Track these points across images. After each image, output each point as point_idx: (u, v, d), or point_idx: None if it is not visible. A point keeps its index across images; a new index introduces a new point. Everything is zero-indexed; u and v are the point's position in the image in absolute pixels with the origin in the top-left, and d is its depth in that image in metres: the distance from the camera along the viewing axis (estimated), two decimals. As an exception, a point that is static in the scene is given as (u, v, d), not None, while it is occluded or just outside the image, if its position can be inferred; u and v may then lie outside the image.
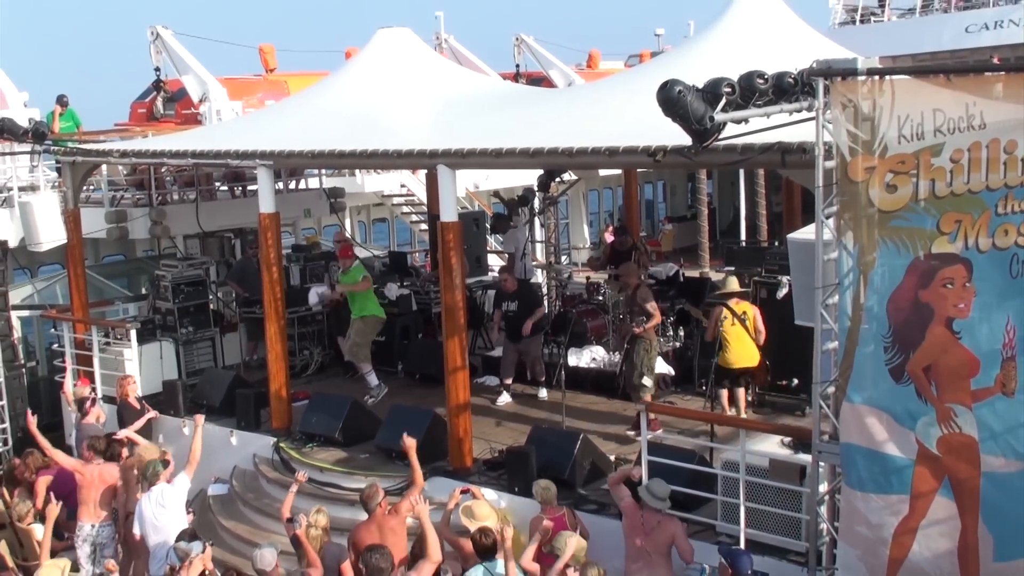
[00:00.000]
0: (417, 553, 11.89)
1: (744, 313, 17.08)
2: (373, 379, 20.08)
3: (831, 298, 10.42)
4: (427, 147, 16.21)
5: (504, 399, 19.72)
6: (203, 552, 12.44)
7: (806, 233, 11.83)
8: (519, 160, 15.32)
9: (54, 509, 14.13)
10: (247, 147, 18.56)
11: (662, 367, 18.39)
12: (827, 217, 10.37)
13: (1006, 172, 9.70)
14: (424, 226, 33.51)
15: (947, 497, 9.87)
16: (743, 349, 17.00)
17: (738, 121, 10.98)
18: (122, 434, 17.30)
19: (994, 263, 9.77)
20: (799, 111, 10.86)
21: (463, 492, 13.83)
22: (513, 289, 19.87)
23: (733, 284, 17.72)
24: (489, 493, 14.89)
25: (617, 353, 20.39)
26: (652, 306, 17.23)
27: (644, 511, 12.61)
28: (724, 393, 17.48)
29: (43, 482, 16.77)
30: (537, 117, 17.71)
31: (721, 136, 11.16)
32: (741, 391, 17.56)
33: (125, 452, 16.12)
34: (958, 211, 9.74)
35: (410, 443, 13.94)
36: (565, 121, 16.66)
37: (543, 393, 19.71)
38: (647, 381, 17.21)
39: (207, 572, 12.38)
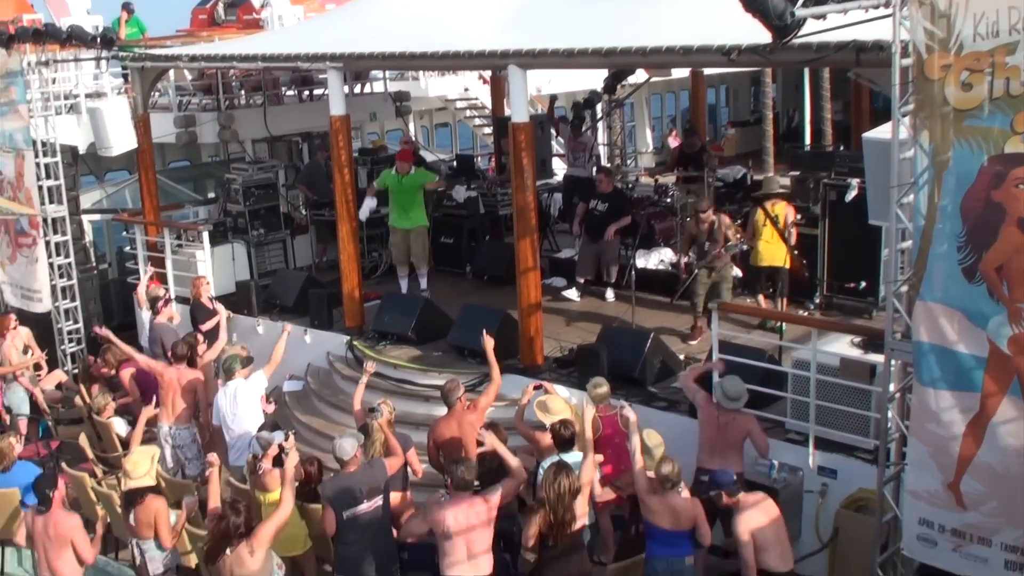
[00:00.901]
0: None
1: (777, 214, 17.46)
2: (425, 283, 20.62)
3: (906, 197, 10.45)
4: (498, 48, 16.26)
5: (573, 294, 19.88)
6: (286, 440, 12.75)
7: (881, 132, 11.81)
8: (591, 60, 15.35)
9: (150, 410, 14.48)
10: (316, 50, 18.66)
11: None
12: (903, 116, 10.37)
13: (1080, 72, 9.65)
14: (487, 130, 33.54)
15: (1017, 396, 9.87)
16: (770, 248, 17.51)
17: (817, 17, 10.98)
18: (207, 327, 17.63)
19: (1067, 164, 9.75)
20: (876, 7, 10.82)
21: (536, 388, 13.98)
22: (608, 190, 19.89)
23: (773, 185, 18.34)
24: (560, 390, 15.09)
25: (685, 257, 20.52)
26: (732, 232, 17.12)
27: (719, 406, 12.80)
28: (761, 299, 17.95)
29: (127, 374, 17.12)
30: (606, 18, 17.66)
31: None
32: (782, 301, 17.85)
33: (202, 348, 16.40)
34: (1032, 111, 9.70)
35: (489, 342, 14.16)
36: (634, 22, 16.61)
37: (610, 294, 19.80)
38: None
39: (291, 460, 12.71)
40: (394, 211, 20.46)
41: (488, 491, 11.35)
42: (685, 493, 11.72)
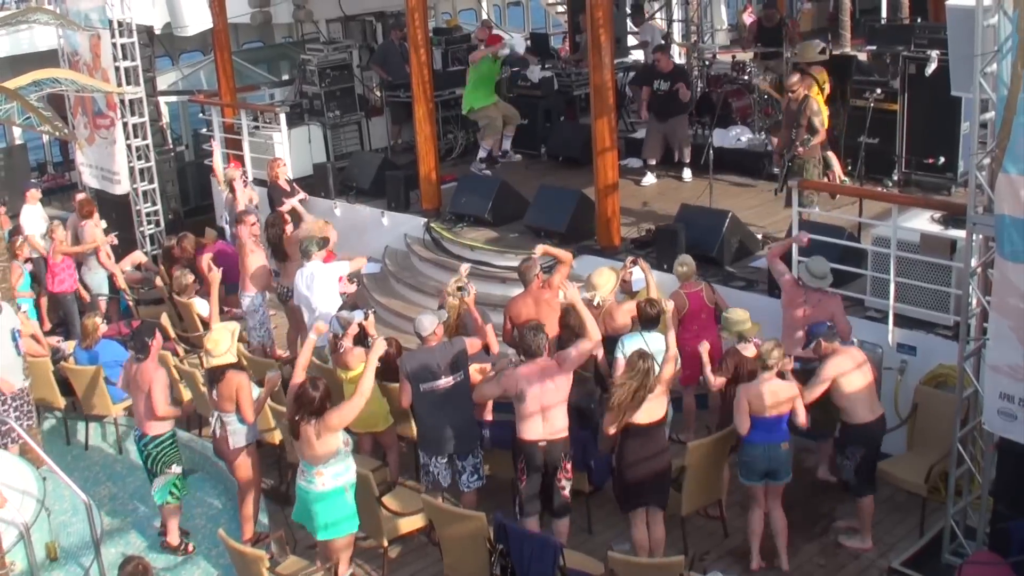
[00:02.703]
0: (576, 333, 12.09)
1: (825, 82, 17.48)
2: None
3: (989, 66, 10.25)
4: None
5: (648, 179, 19.77)
6: (365, 319, 12.89)
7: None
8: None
9: (216, 275, 14.72)
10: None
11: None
12: (987, -17, 10.13)
13: None
14: (561, 8, 33.21)
15: (1102, 268, 9.78)
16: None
17: None
18: (288, 206, 17.75)
19: None
20: None
21: (632, 263, 13.88)
22: (668, 69, 19.75)
23: (813, 51, 18.31)
24: (638, 271, 15.08)
25: (763, 133, 20.30)
26: (820, 121, 16.48)
27: (804, 288, 12.73)
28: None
29: (205, 259, 17.32)
30: None
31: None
32: (829, 154, 17.65)
33: (289, 228, 16.50)
34: (1120, -31, 9.43)
35: (540, 248, 14.13)
36: None
37: (687, 174, 19.70)
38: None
39: (371, 338, 12.83)
40: (489, 89, 20.55)
41: (561, 353, 11.44)
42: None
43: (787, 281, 12.88)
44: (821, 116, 16.52)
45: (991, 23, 10.01)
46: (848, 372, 11.42)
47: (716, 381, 12.23)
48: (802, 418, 11.44)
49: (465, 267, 14.57)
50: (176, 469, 12.39)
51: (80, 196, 20.01)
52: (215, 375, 11.97)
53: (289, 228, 16.43)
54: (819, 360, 11.68)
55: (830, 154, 17.73)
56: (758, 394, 11.36)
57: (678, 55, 26.12)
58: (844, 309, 12.76)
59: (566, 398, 11.33)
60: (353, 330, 12.72)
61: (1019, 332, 10.02)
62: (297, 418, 10.67)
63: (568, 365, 11.29)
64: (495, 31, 22.79)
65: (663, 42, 23.09)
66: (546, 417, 11.19)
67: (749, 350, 12.11)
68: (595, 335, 11.55)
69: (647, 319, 12.20)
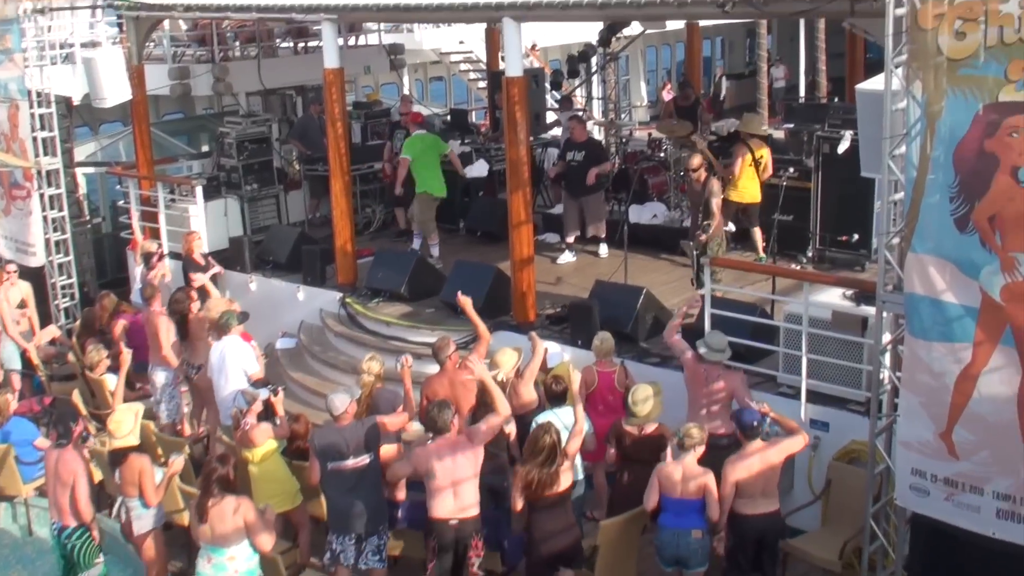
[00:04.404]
0: (485, 407, 11.99)
1: (761, 156, 17.93)
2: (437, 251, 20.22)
3: (898, 149, 10.40)
4: (492, 0, 16.13)
5: (566, 257, 19.79)
6: (275, 396, 12.72)
7: (874, 84, 11.77)
8: (586, 12, 15.25)
9: (125, 358, 14.48)
10: (310, 1, 18.51)
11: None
12: (896, 66, 10.30)
13: (1076, 20, 9.57)
14: (482, 84, 33.41)
15: (1008, 345, 9.84)
16: (748, 187, 17.89)
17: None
18: (198, 283, 17.52)
19: (1060, 113, 9.67)
20: (868, -42, 10.75)
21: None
22: (582, 139, 19.87)
23: (756, 124, 18.79)
24: (553, 346, 15.09)
25: (679, 210, 20.44)
26: (717, 204, 16.74)
27: (705, 364, 12.70)
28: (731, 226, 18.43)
29: (120, 327, 17.07)
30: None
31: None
32: (757, 230, 18.23)
33: (195, 306, 16.26)
34: (1026, 59, 9.62)
35: (464, 300, 14.00)
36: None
37: (603, 250, 19.74)
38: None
39: (278, 417, 12.67)
40: (427, 173, 20.11)
41: (470, 428, 11.38)
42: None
43: (688, 359, 12.88)
44: (719, 199, 16.84)
45: (899, 107, 10.18)
46: (749, 476, 11.32)
47: (608, 453, 12.39)
48: (714, 512, 11.27)
49: (408, 358, 13.73)
50: (101, 559, 12.09)
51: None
52: (117, 458, 11.75)
53: (195, 306, 16.18)
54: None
55: (756, 230, 17.99)
56: (668, 474, 11.32)
57: (596, 132, 26.30)
58: (747, 384, 12.81)
59: (477, 473, 11.22)
60: (257, 407, 12.54)
61: (929, 409, 10.14)
62: (213, 497, 10.46)
63: (478, 440, 11.20)
64: (416, 107, 22.79)
65: (579, 112, 23.22)
66: (457, 493, 11.06)
67: (632, 423, 12.10)
68: (504, 410, 11.46)
69: (553, 396, 12.32)
